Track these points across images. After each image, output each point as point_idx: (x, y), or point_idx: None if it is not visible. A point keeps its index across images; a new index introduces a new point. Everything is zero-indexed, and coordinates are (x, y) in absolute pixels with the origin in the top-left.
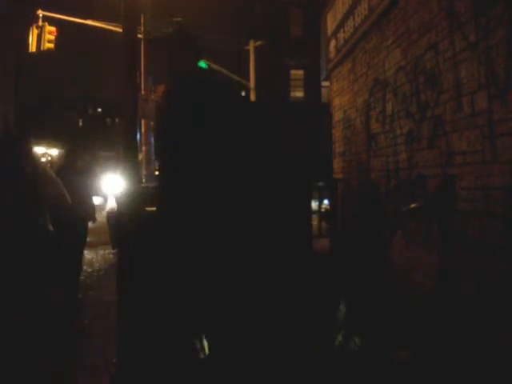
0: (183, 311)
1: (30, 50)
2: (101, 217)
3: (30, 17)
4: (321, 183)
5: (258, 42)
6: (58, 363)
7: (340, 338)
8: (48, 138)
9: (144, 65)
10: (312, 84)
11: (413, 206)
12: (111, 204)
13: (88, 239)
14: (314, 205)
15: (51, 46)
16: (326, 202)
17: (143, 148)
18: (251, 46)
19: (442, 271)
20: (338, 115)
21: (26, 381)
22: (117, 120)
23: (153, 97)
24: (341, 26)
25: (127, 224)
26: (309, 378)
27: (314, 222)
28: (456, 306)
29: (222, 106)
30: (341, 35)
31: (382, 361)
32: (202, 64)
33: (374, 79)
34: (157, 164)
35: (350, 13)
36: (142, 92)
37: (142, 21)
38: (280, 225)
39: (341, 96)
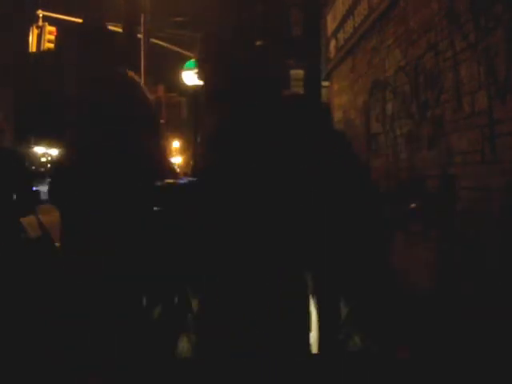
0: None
1: (30, 50)
2: None
3: (30, 17)
4: None
5: (258, 42)
6: None
7: (341, 336)
8: (48, 138)
9: (144, 65)
10: (312, 84)
11: (413, 206)
12: None
13: None
14: None
15: (51, 45)
16: None
17: None
18: None
19: (442, 272)
20: (337, 115)
21: None
22: None
23: (152, 97)
24: (341, 26)
25: None
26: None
27: None
28: (456, 306)
29: None
30: (341, 35)
31: (382, 360)
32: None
33: (374, 79)
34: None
35: (349, 13)
36: None
37: (142, 21)
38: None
39: (341, 96)
